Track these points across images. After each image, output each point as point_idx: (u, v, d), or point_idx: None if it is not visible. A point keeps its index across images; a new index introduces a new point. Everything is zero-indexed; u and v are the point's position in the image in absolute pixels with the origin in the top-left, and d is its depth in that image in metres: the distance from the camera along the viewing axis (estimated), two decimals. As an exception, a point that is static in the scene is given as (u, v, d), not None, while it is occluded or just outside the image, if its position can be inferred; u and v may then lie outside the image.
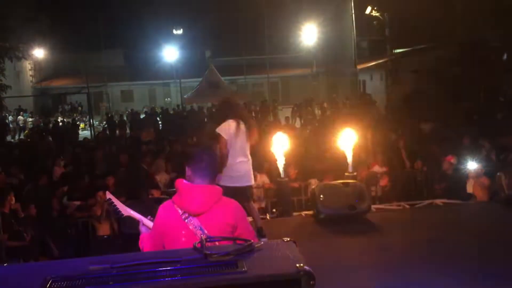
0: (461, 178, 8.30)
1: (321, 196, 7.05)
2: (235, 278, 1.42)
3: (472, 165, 8.18)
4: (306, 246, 5.99)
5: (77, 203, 8.30)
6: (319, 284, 4.70)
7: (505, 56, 21.98)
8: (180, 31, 33.13)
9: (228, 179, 5.76)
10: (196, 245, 1.65)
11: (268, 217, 7.56)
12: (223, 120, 5.88)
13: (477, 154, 8.97)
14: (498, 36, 19.73)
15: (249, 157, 5.97)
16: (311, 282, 1.44)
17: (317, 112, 25.80)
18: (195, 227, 2.44)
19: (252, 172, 6.04)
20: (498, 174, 7.27)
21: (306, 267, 1.45)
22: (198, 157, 2.62)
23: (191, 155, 2.70)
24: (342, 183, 7.37)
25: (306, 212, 7.70)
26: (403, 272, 5.01)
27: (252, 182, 6.13)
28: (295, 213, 7.77)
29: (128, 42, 36.48)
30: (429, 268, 5.07)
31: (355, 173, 8.60)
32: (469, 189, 8.17)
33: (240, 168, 5.86)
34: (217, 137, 5.83)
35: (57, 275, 1.44)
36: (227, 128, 5.80)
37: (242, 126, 5.88)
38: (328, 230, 6.63)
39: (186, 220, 2.47)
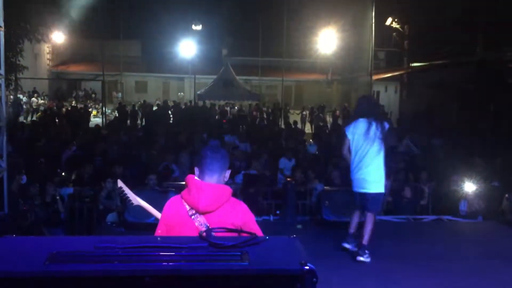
0: (459, 197, 8.27)
1: (326, 201, 7.05)
2: (238, 269, 1.42)
3: (469, 186, 8.12)
4: (306, 249, 5.99)
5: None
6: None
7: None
8: (199, 27, 33.21)
9: (352, 182, 5.64)
10: (202, 234, 1.67)
11: (271, 219, 7.57)
12: (355, 118, 5.56)
13: (484, 173, 8.91)
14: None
15: (377, 161, 5.43)
16: (314, 280, 1.45)
17: (329, 119, 25.75)
18: (201, 225, 2.44)
19: (378, 178, 5.48)
20: (506, 195, 7.21)
21: (309, 265, 1.46)
22: (203, 154, 2.62)
23: (199, 154, 2.69)
24: (348, 190, 7.35)
25: (310, 217, 7.70)
26: (400, 284, 5.00)
27: (374, 190, 5.51)
28: (299, 217, 7.77)
29: (147, 33, 36.62)
30: (426, 281, 5.06)
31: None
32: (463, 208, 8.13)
33: (360, 172, 5.47)
34: (342, 135, 5.62)
35: (63, 251, 1.46)
36: (355, 128, 5.46)
37: (374, 127, 5.40)
38: (330, 235, 6.62)
39: (192, 217, 2.47)
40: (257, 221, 6.46)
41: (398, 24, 25.91)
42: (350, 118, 5.86)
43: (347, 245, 5.78)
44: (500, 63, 19.83)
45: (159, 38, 35.40)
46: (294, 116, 25.19)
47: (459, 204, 8.15)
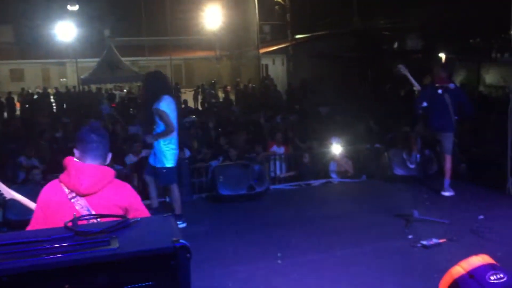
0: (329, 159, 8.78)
1: (221, 177, 7.09)
2: (106, 256, 1.36)
3: (336, 148, 8.63)
4: (203, 227, 6.01)
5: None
6: (213, 259, 4.74)
7: (396, 44, 23.56)
8: (75, 7, 31.18)
9: (170, 158, 5.73)
10: (67, 223, 1.57)
11: (167, 200, 7.45)
12: (158, 95, 5.63)
13: (366, 136, 9.50)
14: (390, 25, 21.01)
15: None
16: (187, 255, 1.43)
17: (221, 95, 25.82)
18: (82, 208, 2.32)
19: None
20: (384, 153, 7.78)
21: (182, 241, 1.43)
22: (86, 137, 2.47)
23: (78, 136, 2.53)
24: (241, 164, 7.47)
25: (207, 194, 7.71)
26: (293, 246, 5.21)
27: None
28: (195, 195, 7.74)
29: (18, 17, 33.69)
30: (319, 241, 5.33)
31: (254, 154, 8.78)
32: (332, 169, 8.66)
33: (177, 146, 5.84)
34: (161, 114, 5.58)
35: None
36: (168, 104, 5.63)
37: (176, 102, 5.83)
38: (226, 210, 6.71)
39: (72, 200, 2.34)
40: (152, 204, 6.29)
41: (279, -3, 26.46)
42: (149, 95, 5.82)
43: None
44: (375, 31, 21.16)
45: (33, 22, 32.77)
46: (186, 95, 24.92)
47: (329, 165, 8.66)
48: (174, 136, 5.73)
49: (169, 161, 5.73)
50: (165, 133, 5.64)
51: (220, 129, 11.40)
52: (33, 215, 2.49)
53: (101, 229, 1.50)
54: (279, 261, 4.83)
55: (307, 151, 9.26)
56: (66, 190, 2.37)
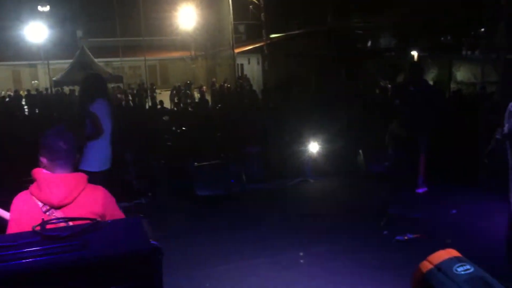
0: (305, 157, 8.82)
1: (197, 177, 7.07)
2: (75, 259, 1.34)
3: (312, 146, 8.68)
4: (180, 228, 5.97)
5: None
6: (189, 259, 4.72)
7: (369, 43, 23.85)
8: (46, 8, 30.54)
9: (92, 162, 5.44)
10: (35, 228, 1.53)
11: (143, 201, 7.39)
12: (91, 97, 5.47)
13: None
14: (363, 24, 21.27)
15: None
16: (159, 256, 1.42)
17: (197, 95, 25.70)
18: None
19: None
20: (359, 151, 7.86)
21: (153, 242, 1.42)
22: (54, 145, 2.35)
23: (43, 143, 2.38)
24: (218, 164, 7.46)
25: (184, 194, 7.66)
26: (270, 245, 5.23)
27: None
28: (172, 196, 7.69)
29: (-14, 18, 32.89)
30: (296, 239, 5.36)
31: (230, 154, 8.77)
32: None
33: (107, 151, 5.60)
34: (92, 116, 5.40)
35: None
36: (100, 107, 5.46)
37: (111, 106, 5.68)
38: (203, 211, 6.69)
39: (47, 213, 2.23)
40: (129, 206, 6.25)
41: (253, -3, 26.46)
42: (83, 97, 5.66)
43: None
44: (349, 30, 21.38)
45: (2, 23, 32.03)
46: (162, 96, 24.75)
47: (305, 163, 8.71)
48: (103, 140, 5.55)
49: (92, 166, 5.42)
50: (92, 136, 5.47)
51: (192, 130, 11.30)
52: (7, 229, 2.38)
53: (69, 233, 1.48)
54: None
55: (283, 149, 9.28)
56: (40, 204, 2.25)
